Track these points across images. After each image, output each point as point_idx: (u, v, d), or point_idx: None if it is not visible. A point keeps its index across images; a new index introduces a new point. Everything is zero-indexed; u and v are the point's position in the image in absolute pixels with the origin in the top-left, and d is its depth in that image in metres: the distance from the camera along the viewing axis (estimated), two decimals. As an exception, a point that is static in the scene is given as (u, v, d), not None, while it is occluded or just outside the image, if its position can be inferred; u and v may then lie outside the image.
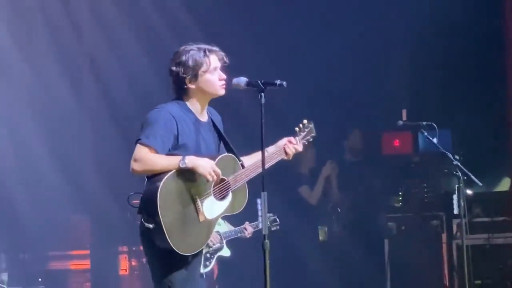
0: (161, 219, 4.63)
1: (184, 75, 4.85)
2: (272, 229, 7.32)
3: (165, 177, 4.68)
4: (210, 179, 4.77)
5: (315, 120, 8.89)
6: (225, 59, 4.97)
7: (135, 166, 4.73)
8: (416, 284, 8.40)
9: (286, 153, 5.14)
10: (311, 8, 9.41)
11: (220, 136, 5.05)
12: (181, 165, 4.71)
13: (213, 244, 7.08)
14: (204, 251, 6.53)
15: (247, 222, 7.30)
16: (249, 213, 6.84)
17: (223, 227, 7.22)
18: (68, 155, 9.18)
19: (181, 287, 4.82)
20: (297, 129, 5.23)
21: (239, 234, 7.32)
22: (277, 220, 7.50)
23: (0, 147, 8.92)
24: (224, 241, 7.25)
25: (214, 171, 4.77)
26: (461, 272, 7.89)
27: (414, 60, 9.48)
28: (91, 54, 9.48)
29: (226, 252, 7.29)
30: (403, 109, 8.38)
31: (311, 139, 5.25)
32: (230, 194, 4.92)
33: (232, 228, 7.33)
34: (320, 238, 9.22)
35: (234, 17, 9.37)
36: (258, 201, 5.17)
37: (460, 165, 6.61)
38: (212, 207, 4.86)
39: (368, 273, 8.67)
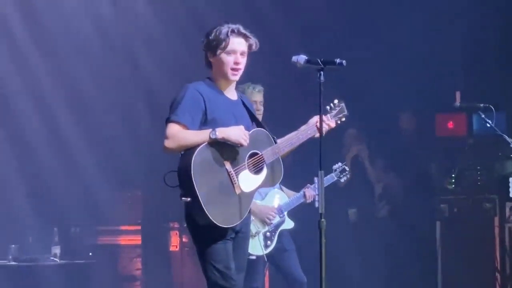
0: (196, 191, 4.62)
1: (206, 48, 4.92)
2: (342, 180, 6.96)
3: (197, 150, 4.69)
4: (244, 143, 4.78)
5: (368, 101, 8.95)
6: (253, 46, 4.95)
7: (166, 143, 4.75)
8: (467, 267, 8.36)
9: (318, 130, 5.04)
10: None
11: (252, 117, 5.05)
12: (211, 136, 4.72)
13: (270, 222, 6.53)
14: (263, 231, 6.56)
15: (308, 185, 6.70)
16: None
17: (282, 198, 6.71)
18: (121, 130, 9.24)
19: (225, 265, 4.80)
20: (328, 107, 5.18)
21: (301, 200, 6.70)
22: (346, 169, 7.00)
23: (60, 120, 9.03)
24: (285, 213, 6.67)
25: (246, 136, 4.79)
26: (513, 256, 7.89)
27: (469, 40, 9.36)
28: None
29: (288, 224, 6.71)
30: (456, 91, 8.29)
31: (344, 118, 5.19)
32: (265, 168, 4.91)
33: (292, 196, 6.79)
34: (351, 219, 9.19)
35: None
36: (315, 179, 5.15)
37: (517, 149, 6.56)
38: (247, 180, 4.84)
39: (419, 255, 8.64)
